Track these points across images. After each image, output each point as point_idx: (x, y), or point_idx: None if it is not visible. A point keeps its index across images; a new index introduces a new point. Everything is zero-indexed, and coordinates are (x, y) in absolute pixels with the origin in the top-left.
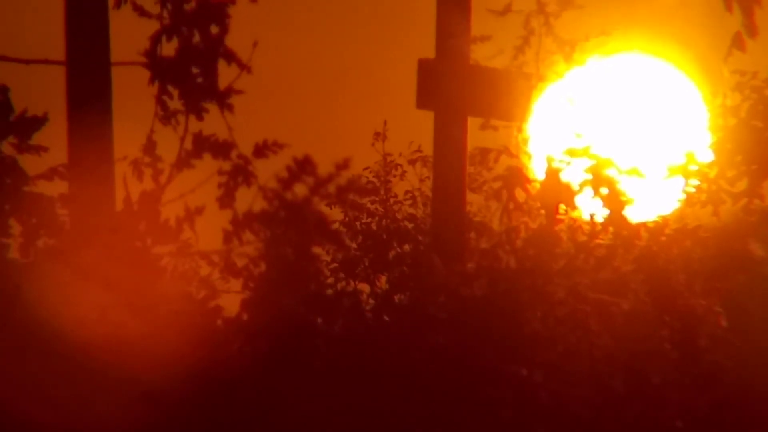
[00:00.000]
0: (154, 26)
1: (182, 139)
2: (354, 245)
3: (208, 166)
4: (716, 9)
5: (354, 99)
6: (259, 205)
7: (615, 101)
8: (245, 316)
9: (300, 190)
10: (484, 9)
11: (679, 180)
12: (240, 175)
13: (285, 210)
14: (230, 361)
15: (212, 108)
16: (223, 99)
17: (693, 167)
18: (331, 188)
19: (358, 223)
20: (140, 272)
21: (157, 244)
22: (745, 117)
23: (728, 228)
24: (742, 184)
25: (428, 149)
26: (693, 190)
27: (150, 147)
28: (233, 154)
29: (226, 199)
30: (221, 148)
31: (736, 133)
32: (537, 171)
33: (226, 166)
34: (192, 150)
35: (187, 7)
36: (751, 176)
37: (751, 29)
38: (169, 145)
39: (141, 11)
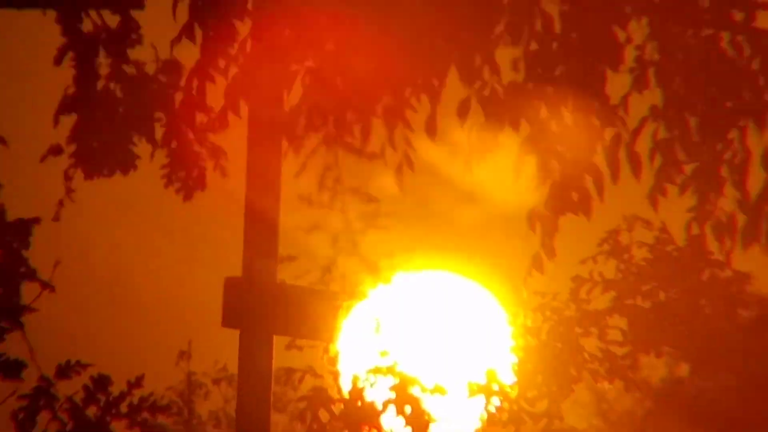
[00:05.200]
0: None
1: None
2: None
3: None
4: (519, 229)
5: (159, 317)
6: (54, 426)
7: (421, 319)
8: None
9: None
10: (292, 228)
11: (482, 399)
12: (42, 397)
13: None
14: None
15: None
16: (18, 316)
17: (495, 387)
18: (123, 408)
19: None
20: None
21: None
22: (546, 338)
23: None
24: (542, 405)
25: (234, 368)
26: (493, 410)
27: None
28: (30, 374)
29: (27, 425)
30: (12, 368)
31: (537, 353)
32: (343, 390)
33: (25, 388)
34: None
35: None
36: (552, 397)
37: (550, 251)
38: None
39: None
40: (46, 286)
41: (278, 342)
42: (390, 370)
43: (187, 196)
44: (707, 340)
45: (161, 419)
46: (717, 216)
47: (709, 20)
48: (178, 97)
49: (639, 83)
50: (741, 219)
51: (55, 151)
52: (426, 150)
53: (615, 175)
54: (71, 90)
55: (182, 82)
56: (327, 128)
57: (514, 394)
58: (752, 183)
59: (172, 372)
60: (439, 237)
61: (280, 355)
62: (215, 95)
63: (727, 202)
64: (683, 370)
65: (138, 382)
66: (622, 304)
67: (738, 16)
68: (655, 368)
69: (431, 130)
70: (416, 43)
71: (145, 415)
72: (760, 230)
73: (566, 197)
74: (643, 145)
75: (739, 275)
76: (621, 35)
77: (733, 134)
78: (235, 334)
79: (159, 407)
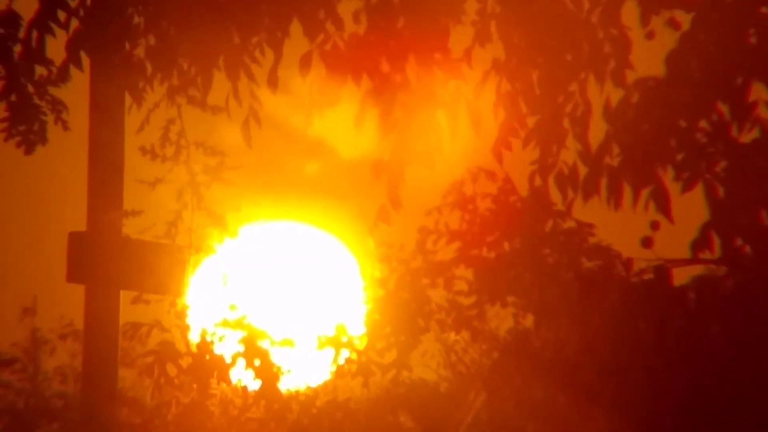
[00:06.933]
0: None
1: None
2: None
3: None
4: (365, 180)
5: (2, 273)
6: None
7: (270, 272)
8: None
9: None
10: (135, 181)
11: (330, 351)
12: None
13: None
14: None
15: None
16: None
17: (344, 338)
18: None
19: None
20: None
21: None
22: (393, 288)
23: (378, 400)
24: (390, 356)
25: (80, 323)
26: (342, 362)
27: None
28: None
29: None
30: None
31: (385, 304)
32: (191, 344)
33: None
34: None
35: None
36: (400, 347)
37: (396, 202)
38: None
39: None
40: None
41: (125, 296)
42: (238, 324)
43: (29, 150)
44: (551, 290)
45: (5, 375)
46: (559, 168)
47: None
48: (17, 49)
49: (481, 36)
50: (582, 170)
51: None
52: (271, 103)
53: (455, 128)
54: None
55: (21, 34)
56: (170, 81)
57: (362, 345)
58: (593, 135)
59: (16, 328)
60: (285, 189)
61: (127, 309)
62: (56, 48)
63: (569, 153)
64: (529, 320)
65: None
66: (467, 255)
67: None
68: (502, 319)
69: (273, 82)
70: None
71: None
72: (599, 182)
73: (410, 149)
74: (487, 99)
75: (581, 225)
76: None
77: (573, 87)
78: (81, 289)
79: (2, 361)
